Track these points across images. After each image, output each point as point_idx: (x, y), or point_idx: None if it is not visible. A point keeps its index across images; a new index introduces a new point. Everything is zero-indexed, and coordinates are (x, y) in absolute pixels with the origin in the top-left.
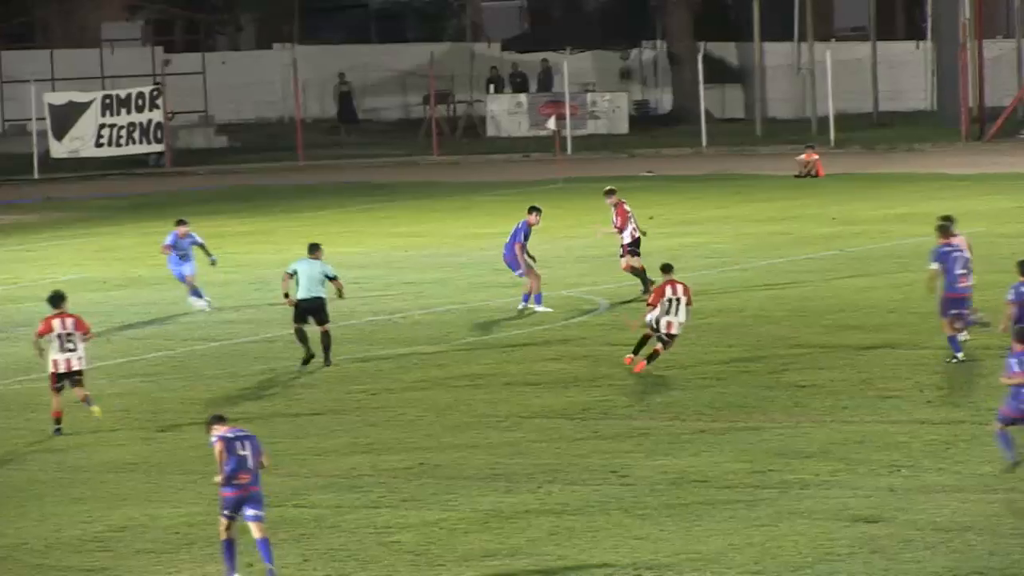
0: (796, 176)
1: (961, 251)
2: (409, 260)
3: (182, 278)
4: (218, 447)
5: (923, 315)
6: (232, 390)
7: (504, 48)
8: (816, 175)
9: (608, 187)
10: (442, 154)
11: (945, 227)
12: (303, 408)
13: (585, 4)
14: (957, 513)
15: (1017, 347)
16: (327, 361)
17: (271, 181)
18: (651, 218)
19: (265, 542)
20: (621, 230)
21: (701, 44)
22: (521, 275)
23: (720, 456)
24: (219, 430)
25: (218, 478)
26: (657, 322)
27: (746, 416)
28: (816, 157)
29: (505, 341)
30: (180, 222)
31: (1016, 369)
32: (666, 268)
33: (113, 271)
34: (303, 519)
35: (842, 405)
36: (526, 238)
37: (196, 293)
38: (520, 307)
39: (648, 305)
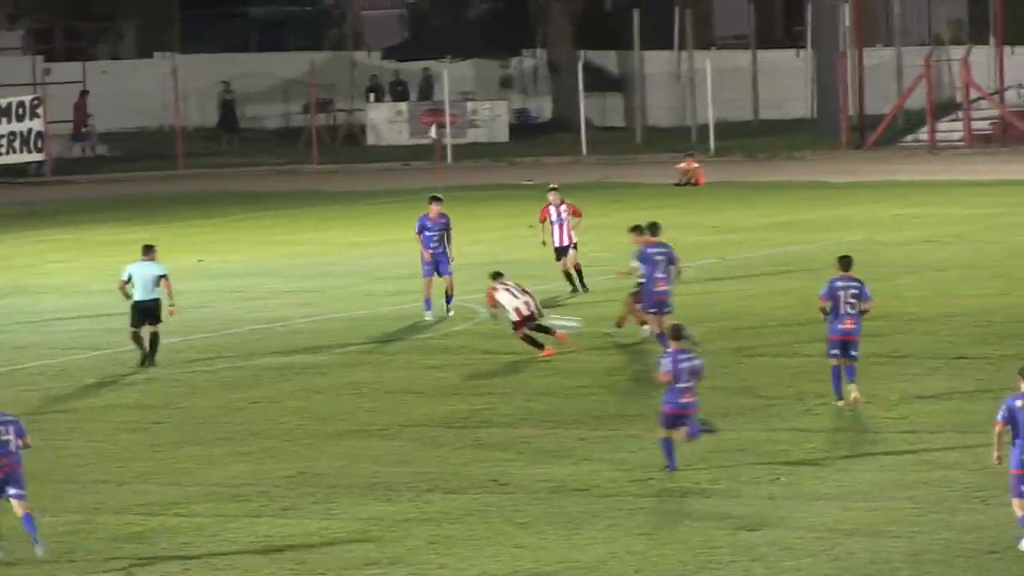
0: (676, 184)
1: (665, 253)
2: (290, 269)
3: None
4: None
5: (803, 323)
6: (113, 398)
7: (384, 57)
8: (696, 183)
9: (553, 185)
10: (322, 162)
11: (653, 227)
12: (184, 416)
13: (465, 13)
14: (838, 521)
15: (672, 345)
16: (152, 361)
17: (152, 189)
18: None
19: (28, 517)
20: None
21: (581, 52)
22: (442, 274)
23: (600, 464)
24: None
25: None
26: (517, 316)
27: (627, 425)
28: (696, 165)
29: (386, 350)
30: None
31: (668, 368)
32: (495, 275)
33: None
34: (184, 528)
35: (722, 413)
36: (422, 229)
37: None
38: (448, 313)
39: (489, 307)
